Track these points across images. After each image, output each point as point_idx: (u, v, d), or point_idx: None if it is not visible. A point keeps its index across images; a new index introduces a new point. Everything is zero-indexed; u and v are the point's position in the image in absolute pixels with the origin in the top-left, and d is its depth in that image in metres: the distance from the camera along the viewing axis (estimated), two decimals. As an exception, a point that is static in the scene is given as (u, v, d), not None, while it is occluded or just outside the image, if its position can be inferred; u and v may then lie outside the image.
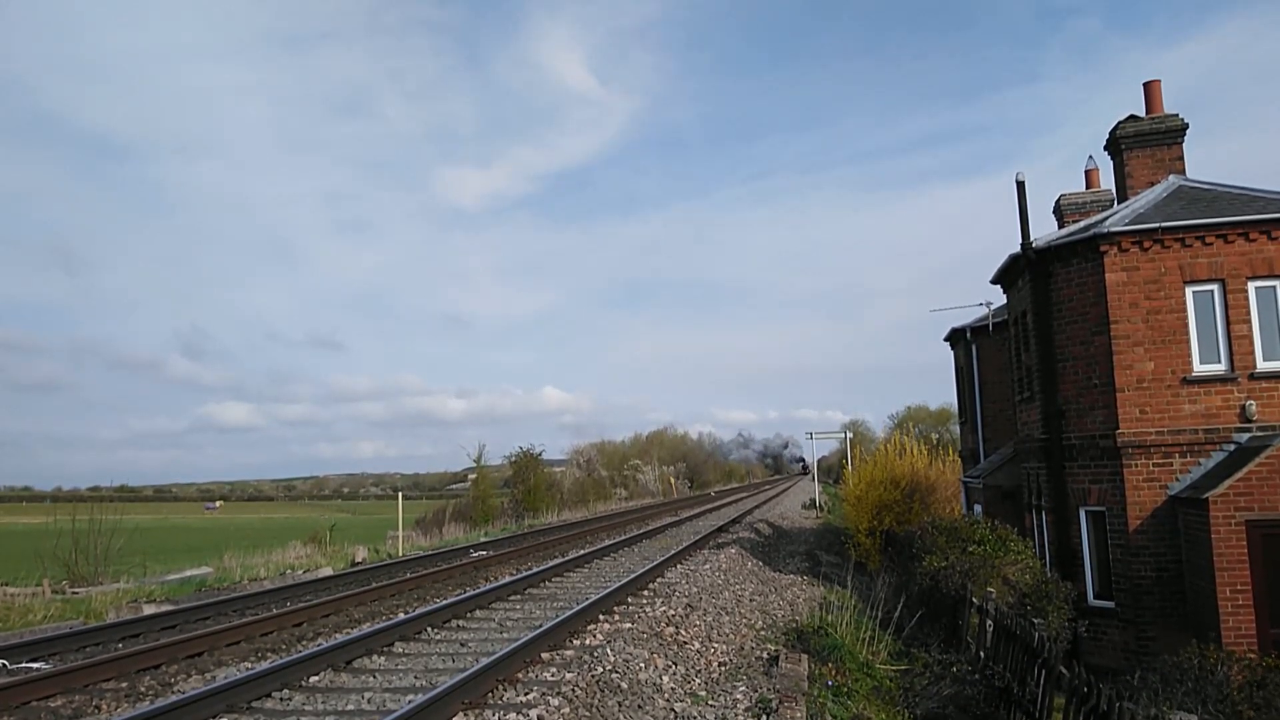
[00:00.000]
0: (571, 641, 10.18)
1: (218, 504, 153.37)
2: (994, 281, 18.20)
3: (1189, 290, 14.31)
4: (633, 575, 15.09)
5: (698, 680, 9.01)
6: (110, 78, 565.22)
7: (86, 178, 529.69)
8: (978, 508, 21.66)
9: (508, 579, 15.58)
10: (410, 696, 7.79)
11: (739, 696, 8.37)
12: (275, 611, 12.55)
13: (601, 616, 11.85)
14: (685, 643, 10.54)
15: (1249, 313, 14.06)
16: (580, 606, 11.59)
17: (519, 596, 14.20)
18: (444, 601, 13.05)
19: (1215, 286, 14.24)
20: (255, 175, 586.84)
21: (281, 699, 7.96)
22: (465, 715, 7.09)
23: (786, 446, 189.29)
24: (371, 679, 8.72)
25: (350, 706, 7.69)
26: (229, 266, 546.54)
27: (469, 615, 12.38)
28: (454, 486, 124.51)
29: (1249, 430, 13.72)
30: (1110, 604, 14.42)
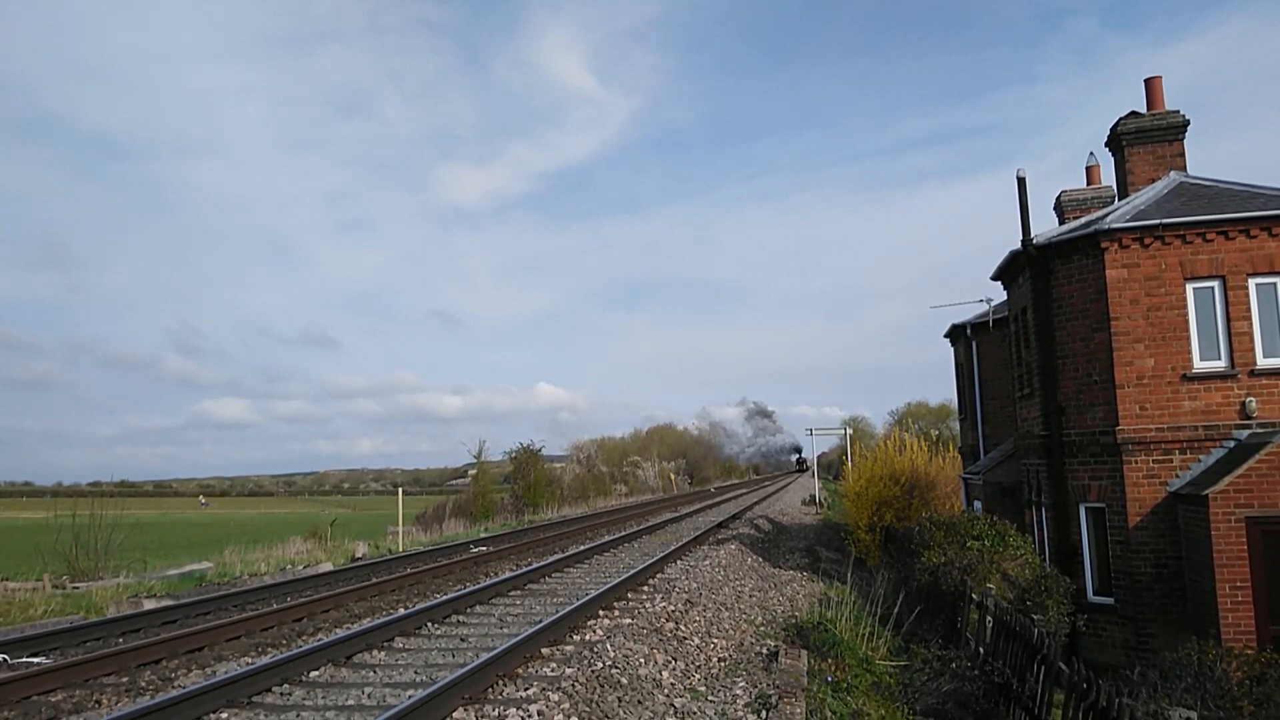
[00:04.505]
0: (571, 637, 10.19)
1: (202, 499, 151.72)
2: (994, 278, 18.20)
3: (1189, 287, 14.30)
4: (633, 571, 15.10)
5: (697, 676, 9.02)
6: (110, 78, 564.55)
7: (86, 177, 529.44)
8: (978, 504, 21.68)
9: (508, 574, 15.59)
10: (410, 691, 7.81)
11: (739, 692, 8.38)
12: (275, 607, 12.55)
13: (601, 612, 11.86)
14: (685, 638, 10.56)
15: (1249, 309, 14.05)
16: (580, 602, 11.60)
17: (519, 592, 14.22)
18: (444, 597, 13.06)
19: (1216, 283, 14.23)
20: (255, 175, 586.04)
21: (282, 694, 7.97)
22: (465, 710, 7.10)
23: (768, 415, 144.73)
24: (372, 674, 8.73)
25: (350, 701, 7.70)
26: (229, 266, 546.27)
27: (469, 610, 12.40)
28: (454, 482, 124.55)
29: (1249, 427, 13.72)
30: (1110, 600, 14.44)
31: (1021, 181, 16.14)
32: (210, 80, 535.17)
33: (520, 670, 8.50)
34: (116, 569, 20.15)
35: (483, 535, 28.57)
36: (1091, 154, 21.40)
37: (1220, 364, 14.10)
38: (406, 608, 12.79)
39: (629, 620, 11.07)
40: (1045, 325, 15.41)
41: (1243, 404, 13.84)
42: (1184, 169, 16.34)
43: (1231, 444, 13.70)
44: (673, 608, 12.00)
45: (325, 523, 35.21)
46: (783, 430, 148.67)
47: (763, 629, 12.07)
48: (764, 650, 10.55)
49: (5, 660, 9.67)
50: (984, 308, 25.07)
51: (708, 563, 17.19)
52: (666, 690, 8.24)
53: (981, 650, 10.65)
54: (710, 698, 8.21)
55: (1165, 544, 13.85)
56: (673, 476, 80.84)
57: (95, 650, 10.12)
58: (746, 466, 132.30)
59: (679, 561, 17.88)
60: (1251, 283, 14.11)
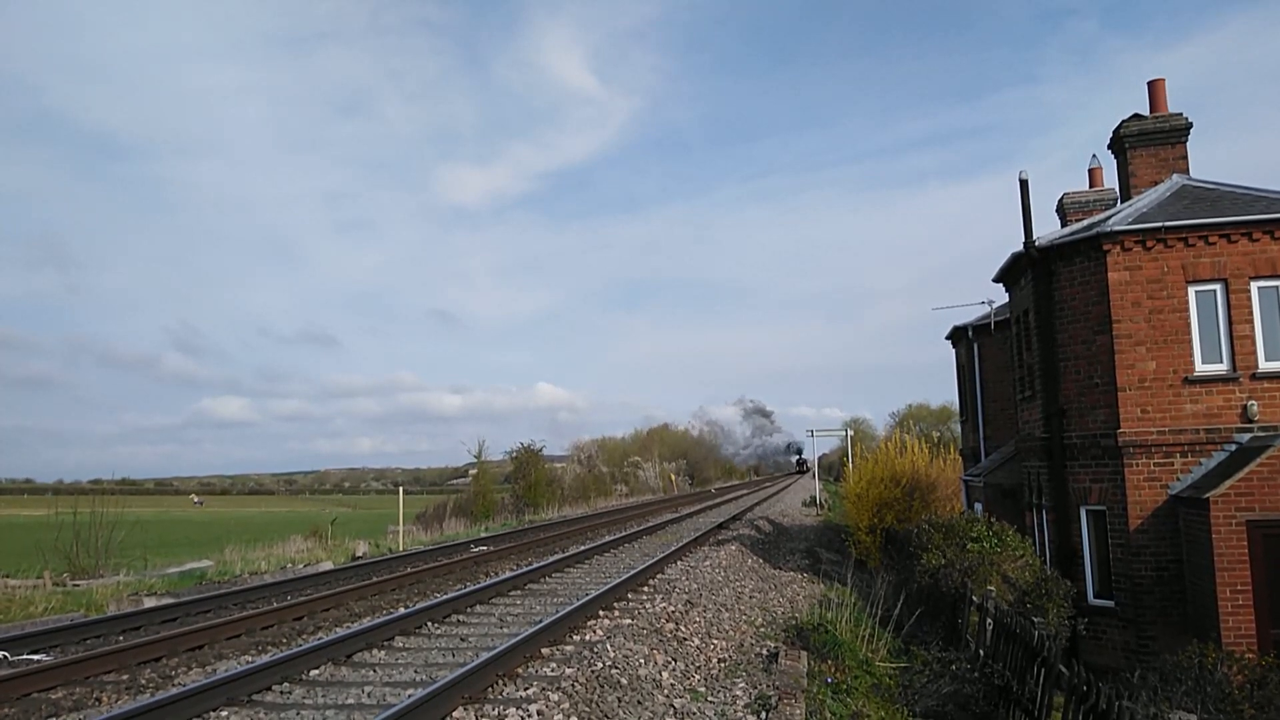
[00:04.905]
0: (571, 637, 10.19)
1: (194, 498, 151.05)
2: (996, 280, 18.20)
3: (1191, 290, 14.29)
4: (633, 571, 15.10)
5: (697, 676, 9.02)
6: (111, 78, 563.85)
7: (87, 177, 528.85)
8: (978, 506, 21.66)
9: (508, 574, 15.60)
10: (410, 690, 7.81)
11: (738, 693, 8.38)
12: (276, 605, 12.56)
13: (602, 612, 11.86)
14: (685, 639, 10.56)
15: (1251, 313, 14.04)
16: (580, 602, 11.60)
17: (519, 592, 14.22)
18: (444, 596, 13.07)
19: (1218, 286, 14.22)
20: (255, 175, 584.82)
21: (282, 692, 7.97)
22: (465, 709, 7.10)
23: (766, 415, 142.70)
24: (372, 673, 8.73)
25: (350, 700, 7.70)
26: (229, 266, 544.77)
27: (469, 610, 12.40)
28: (454, 481, 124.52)
29: (1250, 430, 13.71)
30: (1110, 603, 14.43)
31: (1024, 183, 16.13)
32: (210, 80, 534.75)
33: (520, 670, 8.49)
34: (117, 567, 20.16)
35: (483, 535, 28.58)
36: (1094, 156, 21.42)
37: (1222, 367, 14.09)
38: (407, 607, 12.79)
39: (629, 621, 11.07)
40: (1047, 327, 15.40)
41: (1244, 407, 13.83)
42: (1186, 171, 16.33)
43: (1233, 447, 13.69)
44: (673, 608, 12.00)
45: (326, 521, 35.19)
46: (780, 429, 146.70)
47: (763, 630, 12.07)
48: (764, 651, 10.55)
49: (5, 657, 9.67)
50: (985, 310, 25.06)
51: (708, 563, 17.19)
52: (666, 691, 8.24)
53: (981, 652, 10.65)
54: (710, 698, 8.21)
55: (1166, 547, 13.84)
56: (673, 477, 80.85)
57: (95, 648, 10.13)
58: (746, 469, 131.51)
59: (679, 562, 17.87)
60: (1254, 286, 14.10)
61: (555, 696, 7.34)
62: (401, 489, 36.65)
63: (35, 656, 9.84)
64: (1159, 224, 14.27)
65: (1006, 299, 19.47)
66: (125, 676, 8.72)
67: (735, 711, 7.78)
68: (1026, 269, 16.07)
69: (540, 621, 10.62)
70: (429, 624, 11.31)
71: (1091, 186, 21.22)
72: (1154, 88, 16.68)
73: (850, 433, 44.82)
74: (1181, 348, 14.16)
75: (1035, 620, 11.68)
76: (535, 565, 16.70)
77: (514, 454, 47.43)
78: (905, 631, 12.95)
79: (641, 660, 9.00)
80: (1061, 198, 21.26)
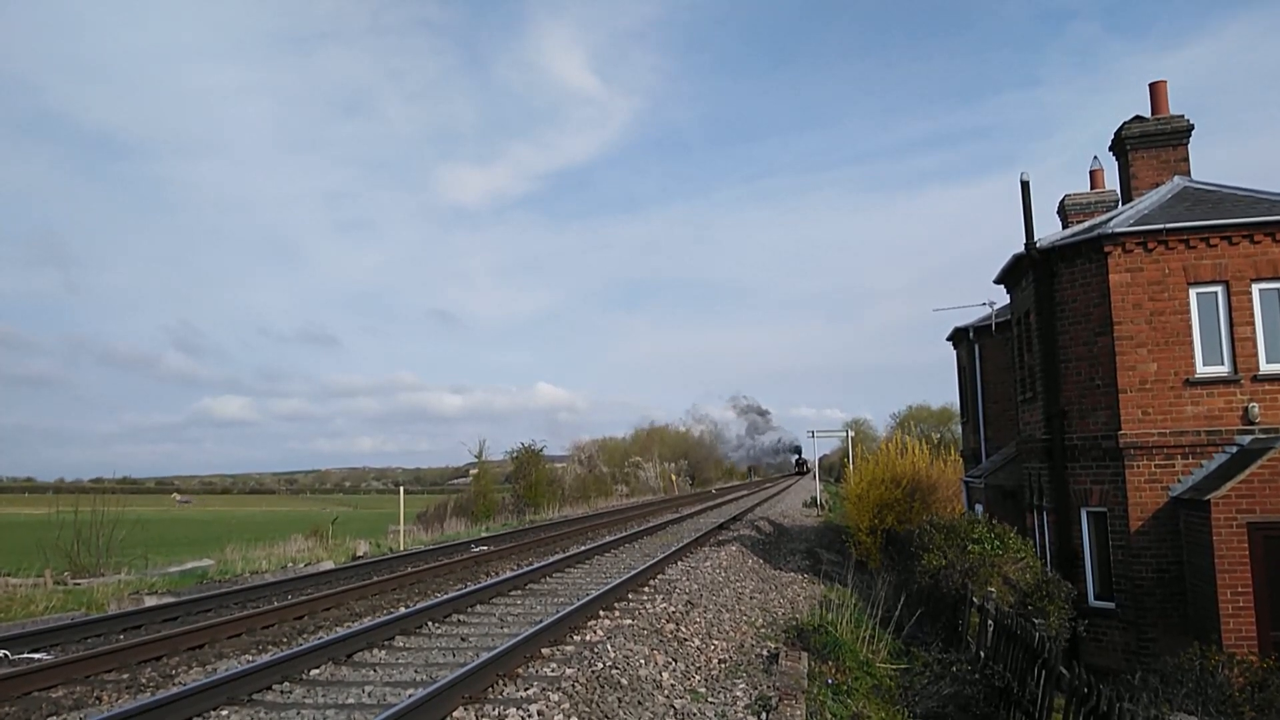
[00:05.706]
0: (572, 637, 10.20)
1: (177, 497, 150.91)
2: (997, 281, 18.19)
3: (1193, 292, 14.29)
4: (633, 572, 15.11)
5: (697, 677, 9.02)
6: (111, 77, 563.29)
7: (87, 176, 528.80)
8: (979, 507, 21.65)
9: (508, 574, 15.60)
10: (411, 690, 7.81)
11: (739, 694, 8.38)
12: (276, 604, 12.57)
13: (602, 612, 11.87)
14: (685, 639, 10.56)
15: (1253, 315, 14.04)
16: (581, 602, 11.61)
17: (520, 592, 14.22)
18: (445, 596, 13.07)
19: (1219, 288, 14.21)
20: (255, 175, 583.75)
21: (282, 691, 7.98)
22: (466, 709, 7.10)
23: (763, 414, 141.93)
24: (372, 672, 8.74)
25: (351, 700, 7.71)
26: (229, 266, 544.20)
27: (470, 610, 12.41)
28: (455, 481, 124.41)
29: (1251, 432, 13.71)
30: (1111, 605, 14.43)
31: (1025, 185, 16.14)
32: (210, 80, 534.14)
33: (520, 670, 8.50)
34: (118, 565, 20.17)
35: (484, 535, 28.59)
36: (1095, 158, 21.38)
37: (1223, 369, 14.08)
38: (407, 606, 12.79)
39: (630, 621, 11.07)
40: (1048, 329, 15.40)
41: (1245, 409, 13.82)
42: (1188, 173, 16.32)
43: (1234, 449, 13.69)
44: (673, 609, 12.00)
45: (326, 521, 35.23)
46: (774, 428, 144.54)
47: (763, 631, 12.07)
48: (764, 652, 10.55)
49: (6, 656, 9.69)
50: (986, 311, 25.06)
51: (709, 564, 17.19)
52: (666, 691, 8.24)
53: (982, 654, 10.65)
54: (710, 699, 8.21)
55: (1167, 549, 13.83)
56: (674, 478, 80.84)
57: (96, 646, 10.13)
58: (747, 469, 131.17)
59: (680, 562, 17.88)
60: (1255, 288, 14.09)
61: (555, 697, 7.34)
62: (402, 489, 36.67)
63: (36, 655, 9.85)
64: (1160, 226, 14.26)
65: (1007, 300, 19.47)
66: (126, 675, 8.72)
67: (735, 712, 7.78)
68: (1028, 270, 16.07)
69: (540, 622, 10.62)
70: (429, 624, 11.32)
71: (1093, 188, 21.20)
72: (1155, 89, 16.67)
73: (851, 433, 44.80)
74: (1183, 349, 14.16)
75: (1036, 622, 11.69)
76: (536, 565, 16.71)
77: (514, 454, 47.46)
78: (906, 633, 12.95)
79: (642, 661, 9.00)
80: (1062, 199, 21.24)
